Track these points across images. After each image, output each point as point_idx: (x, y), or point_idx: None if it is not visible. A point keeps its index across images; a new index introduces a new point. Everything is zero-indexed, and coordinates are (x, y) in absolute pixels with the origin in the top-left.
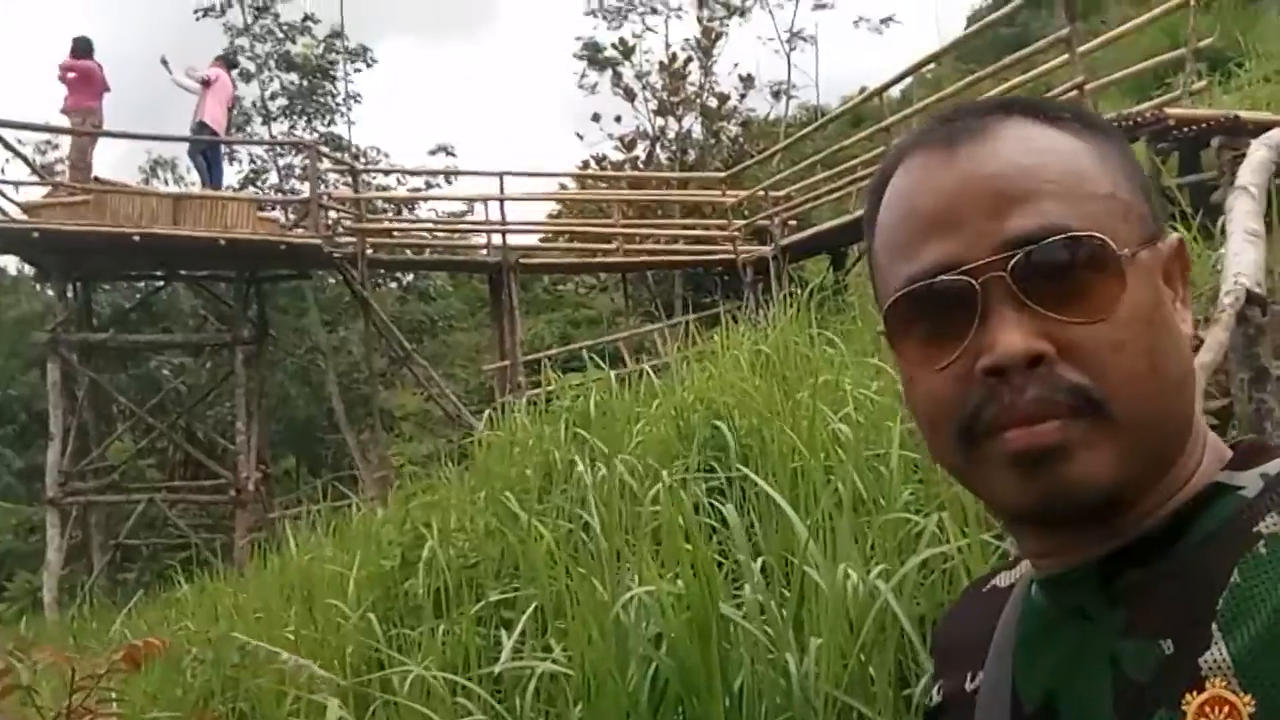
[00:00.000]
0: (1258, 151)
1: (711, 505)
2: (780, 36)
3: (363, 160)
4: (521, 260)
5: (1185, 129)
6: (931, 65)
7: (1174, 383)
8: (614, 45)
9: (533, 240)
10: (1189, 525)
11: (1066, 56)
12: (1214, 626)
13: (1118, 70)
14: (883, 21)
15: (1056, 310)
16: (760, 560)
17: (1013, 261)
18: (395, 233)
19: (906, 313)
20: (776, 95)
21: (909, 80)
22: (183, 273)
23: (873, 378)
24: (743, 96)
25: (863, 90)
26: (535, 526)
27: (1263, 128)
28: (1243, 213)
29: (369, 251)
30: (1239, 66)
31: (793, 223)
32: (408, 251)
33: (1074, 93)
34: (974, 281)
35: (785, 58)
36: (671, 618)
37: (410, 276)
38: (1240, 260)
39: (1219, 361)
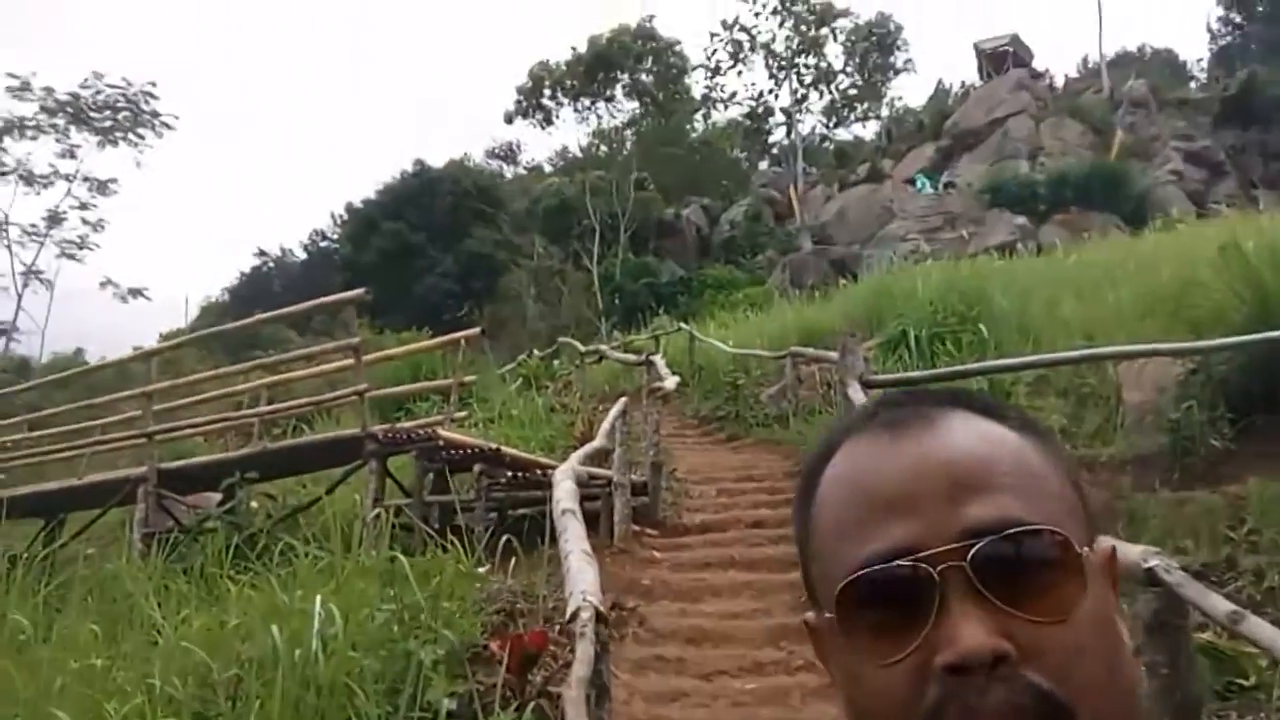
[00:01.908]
0: (565, 481)
1: None
2: (15, 273)
3: None
4: None
5: (452, 451)
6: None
7: (1129, 692)
8: None
9: None
10: None
11: (347, 361)
12: None
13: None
14: (132, 291)
15: (1016, 606)
16: None
17: (973, 552)
18: None
19: (859, 597)
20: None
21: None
22: None
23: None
24: None
25: (78, 351)
26: None
27: (516, 461)
28: (575, 535)
29: None
30: (469, 405)
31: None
32: None
33: (354, 397)
34: (933, 569)
35: (16, 296)
36: None
37: None
38: (583, 579)
39: (589, 675)
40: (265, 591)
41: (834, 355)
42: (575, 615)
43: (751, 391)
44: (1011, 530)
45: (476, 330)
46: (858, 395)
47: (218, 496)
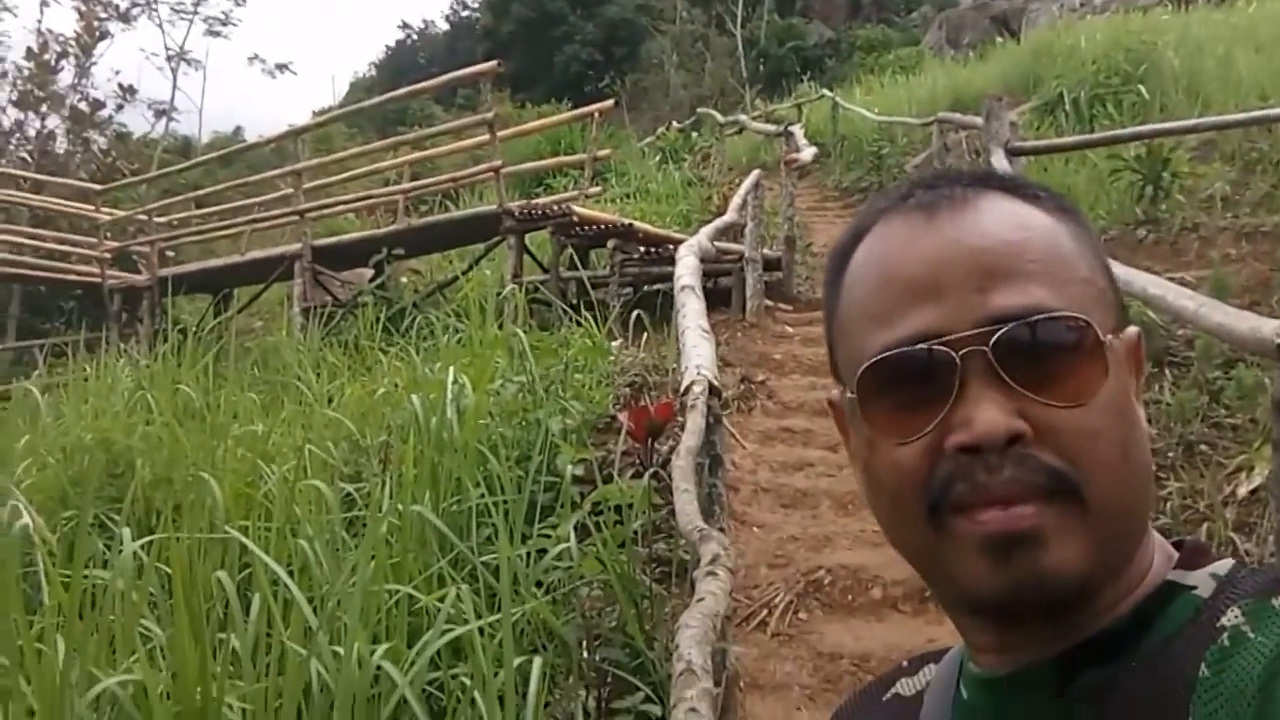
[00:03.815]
0: (687, 257)
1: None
2: (166, 53)
3: None
4: None
5: (586, 227)
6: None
7: (1142, 475)
8: None
9: None
10: (1149, 623)
11: (483, 138)
12: None
13: (508, 162)
14: (279, 66)
15: (1036, 391)
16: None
17: (995, 337)
18: None
19: (880, 379)
20: (158, 115)
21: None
22: None
23: (291, 431)
24: (119, 108)
25: (237, 130)
26: None
27: (649, 237)
28: (694, 311)
29: None
30: (608, 180)
31: (170, 254)
32: None
33: (489, 174)
34: (955, 354)
35: (170, 77)
36: (158, 712)
37: None
38: (699, 353)
39: (699, 445)
40: (409, 363)
41: (980, 121)
42: (689, 388)
43: (896, 161)
44: (1035, 317)
45: (610, 103)
46: (1002, 164)
47: (370, 272)
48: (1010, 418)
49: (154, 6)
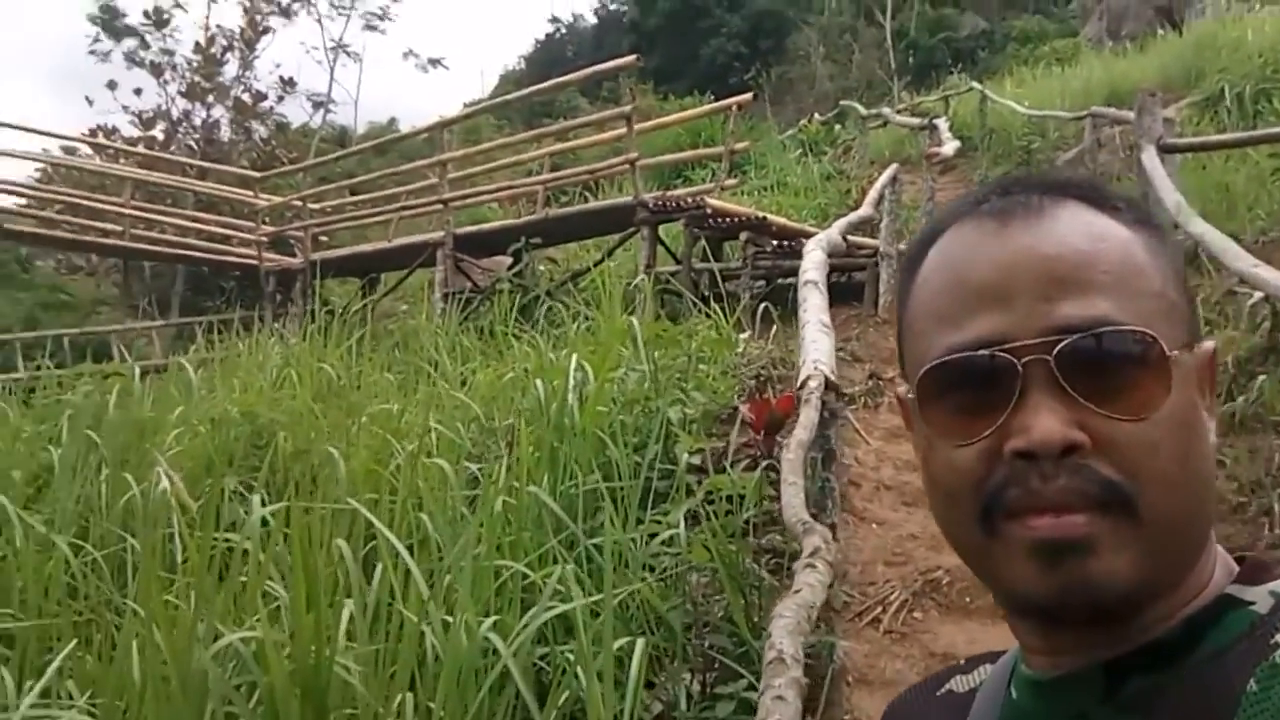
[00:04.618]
0: (814, 251)
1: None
2: (325, 47)
3: None
4: (4, 225)
5: (719, 219)
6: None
7: (1200, 492)
8: (145, 14)
9: (8, 201)
10: (1201, 635)
11: (621, 131)
12: None
13: (646, 155)
14: (431, 61)
15: (1097, 403)
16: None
17: (1059, 347)
18: None
19: (942, 381)
20: (316, 107)
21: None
22: None
23: (428, 410)
24: (280, 99)
25: (392, 121)
26: (32, 538)
27: (782, 230)
28: (815, 306)
29: None
30: (746, 173)
31: (323, 238)
32: None
33: (625, 166)
34: (1017, 361)
35: (329, 70)
36: (275, 668)
37: None
38: (817, 348)
39: (811, 439)
40: (537, 349)
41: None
42: (804, 383)
43: (1047, 156)
44: (1100, 329)
45: (748, 96)
46: (1152, 162)
47: (509, 260)
48: (1068, 428)
49: (313, 2)
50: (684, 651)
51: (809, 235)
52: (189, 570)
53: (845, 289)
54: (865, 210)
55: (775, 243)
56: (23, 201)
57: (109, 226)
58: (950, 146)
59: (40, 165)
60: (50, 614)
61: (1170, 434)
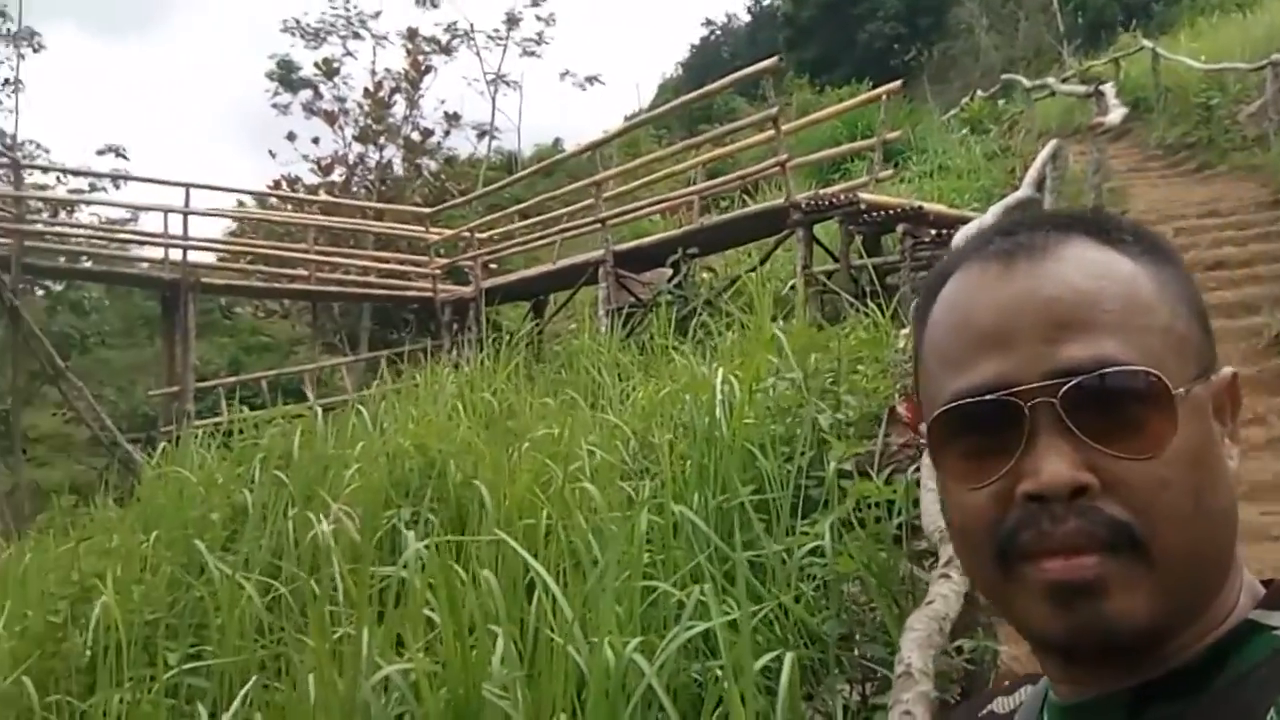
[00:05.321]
0: (960, 240)
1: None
2: (485, 78)
3: (20, 154)
4: (203, 280)
5: (874, 213)
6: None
7: (1216, 524)
8: (316, 65)
9: (209, 258)
10: (1224, 661)
11: (770, 133)
12: None
13: (801, 152)
14: (588, 79)
15: (1104, 443)
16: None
17: (1064, 389)
18: (52, 237)
19: (952, 426)
20: (480, 136)
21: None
22: None
23: (592, 430)
24: (446, 134)
25: (556, 141)
26: (229, 580)
27: (941, 218)
28: None
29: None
30: (907, 159)
31: (493, 265)
32: (61, 259)
33: (776, 169)
34: (1023, 404)
35: (490, 100)
36: (428, 697)
37: (60, 285)
38: None
39: None
40: (689, 363)
41: None
42: None
43: (1228, 111)
44: (1104, 370)
45: (897, 83)
46: None
47: (669, 271)
48: (1076, 470)
49: (472, 36)
50: (839, 662)
51: (969, 222)
52: (352, 604)
53: None
54: (1024, 191)
55: (934, 232)
56: (217, 256)
57: (296, 272)
58: (1116, 115)
59: (233, 220)
60: (242, 650)
61: (1180, 471)
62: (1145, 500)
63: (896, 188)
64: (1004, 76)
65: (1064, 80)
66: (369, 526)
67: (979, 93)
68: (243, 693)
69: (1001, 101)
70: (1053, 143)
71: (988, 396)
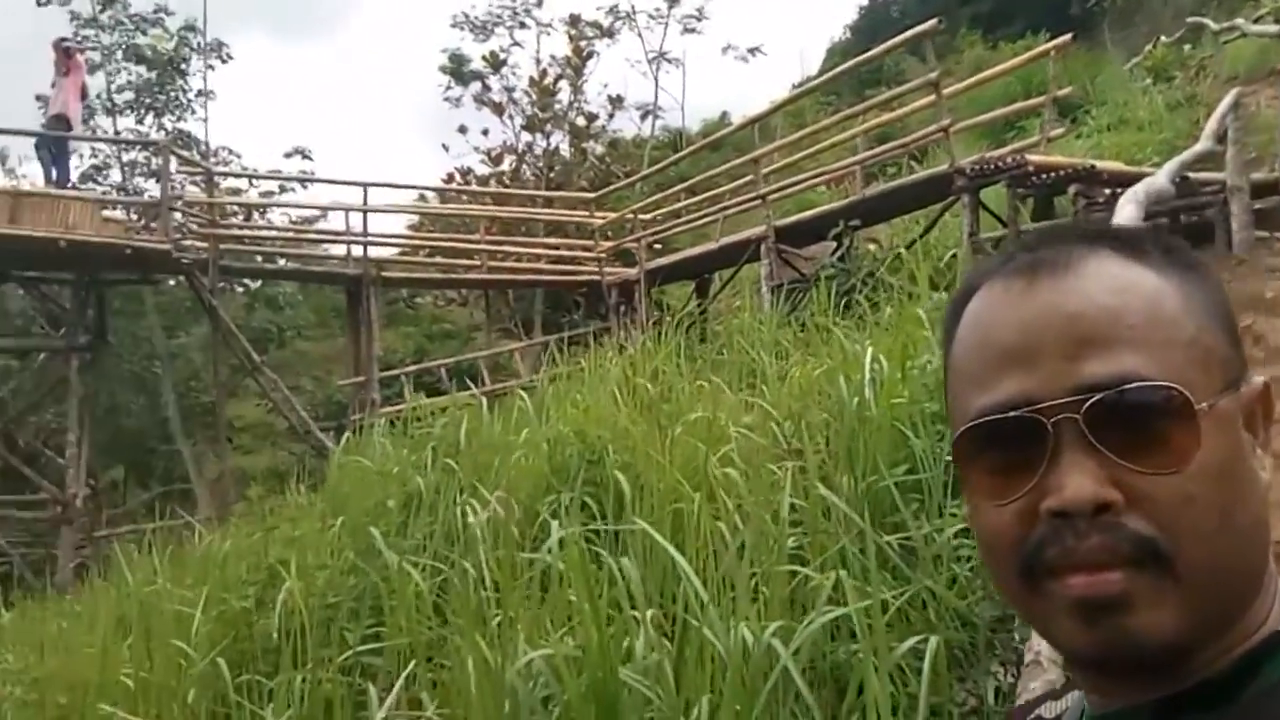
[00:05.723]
0: (1126, 206)
1: (595, 553)
2: (647, 58)
3: (214, 160)
4: (384, 274)
5: (1043, 175)
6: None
7: (1244, 537)
8: (483, 58)
9: (390, 252)
10: (1255, 673)
11: (933, 98)
12: None
13: (972, 112)
14: (750, 50)
15: (1128, 459)
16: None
17: (1086, 406)
18: (248, 239)
19: (976, 444)
20: (644, 116)
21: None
22: (15, 274)
23: (745, 412)
24: (611, 116)
25: (723, 115)
26: (402, 566)
27: (1116, 177)
28: None
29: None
30: (1086, 114)
31: (657, 246)
32: (258, 259)
33: (939, 134)
34: (1046, 421)
35: (653, 79)
36: (569, 681)
37: (258, 283)
38: None
39: None
40: (845, 340)
41: None
42: None
43: None
44: (1126, 386)
45: (1066, 38)
46: None
47: (833, 245)
48: (1100, 486)
49: (633, 17)
50: (991, 646)
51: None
52: (502, 590)
53: (1196, 230)
54: (1202, 145)
55: (1108, 192)
56: (397, 250)
57: (470, 262)
58: None
59: (412, 214)
60: (410, 632)
61: (1206, 485)
62: (1169, 515)
63: (1071, 145)
64: (1189, 20)
65: (1257, 20)
66: (529, 512)
67: (1163, 38)
68: (406, 672)
69: (1188, 47)
70: (1233, 92)
71: (1011, 414)
